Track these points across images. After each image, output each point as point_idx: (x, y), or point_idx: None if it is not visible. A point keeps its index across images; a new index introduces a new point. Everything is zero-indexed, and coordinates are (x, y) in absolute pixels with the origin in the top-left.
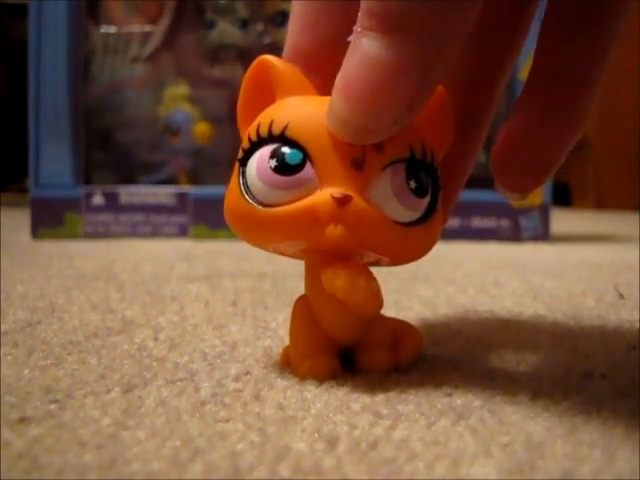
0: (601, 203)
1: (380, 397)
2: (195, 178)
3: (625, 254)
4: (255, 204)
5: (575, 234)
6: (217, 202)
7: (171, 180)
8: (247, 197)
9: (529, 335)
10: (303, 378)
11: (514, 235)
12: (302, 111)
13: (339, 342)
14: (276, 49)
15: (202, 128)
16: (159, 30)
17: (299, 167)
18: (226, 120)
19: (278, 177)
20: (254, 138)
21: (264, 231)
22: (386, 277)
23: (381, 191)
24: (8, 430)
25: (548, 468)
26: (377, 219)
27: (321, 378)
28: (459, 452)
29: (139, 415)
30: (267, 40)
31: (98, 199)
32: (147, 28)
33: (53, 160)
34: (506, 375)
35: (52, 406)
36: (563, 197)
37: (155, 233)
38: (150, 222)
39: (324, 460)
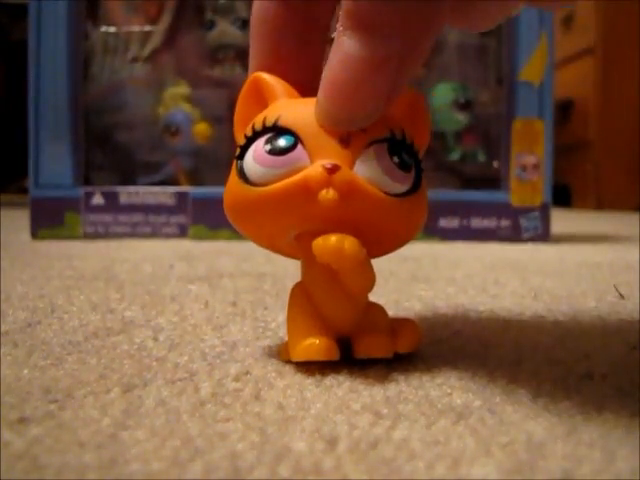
0: (601, 203)
1: (380, 397)
2: (195, 178)
3: (625, 254)
4: (252, 187)
5: (575, 234)
6: (217, 202)
7: (171, 180)
8: (244, 180)
9: (529, 335)
10: (300, 359)
11: (514, 235)
12: (292, 105)
13: (336, 329)
14: None
15: (202, 128)
16: (159, 30)
17: (291, 148)
18: (226, 120)
19: (272, 157)
20: (249, 133)
21: (260, 210)
22: (386, 277)
23: (367, 165)
24: (8, 430)
25: (548, 468)
26: (366, 187)
27: (318, 358)
28: (459, 452)
29: (139, 415)
30: None
31: (98, 199)
32: (147, 28)
33: (53, 160)
34: (506, 375)
35: (52, 406)
36: (563, 197)
37: (155, 233)
38: (150, 222)
39: (324, 460)
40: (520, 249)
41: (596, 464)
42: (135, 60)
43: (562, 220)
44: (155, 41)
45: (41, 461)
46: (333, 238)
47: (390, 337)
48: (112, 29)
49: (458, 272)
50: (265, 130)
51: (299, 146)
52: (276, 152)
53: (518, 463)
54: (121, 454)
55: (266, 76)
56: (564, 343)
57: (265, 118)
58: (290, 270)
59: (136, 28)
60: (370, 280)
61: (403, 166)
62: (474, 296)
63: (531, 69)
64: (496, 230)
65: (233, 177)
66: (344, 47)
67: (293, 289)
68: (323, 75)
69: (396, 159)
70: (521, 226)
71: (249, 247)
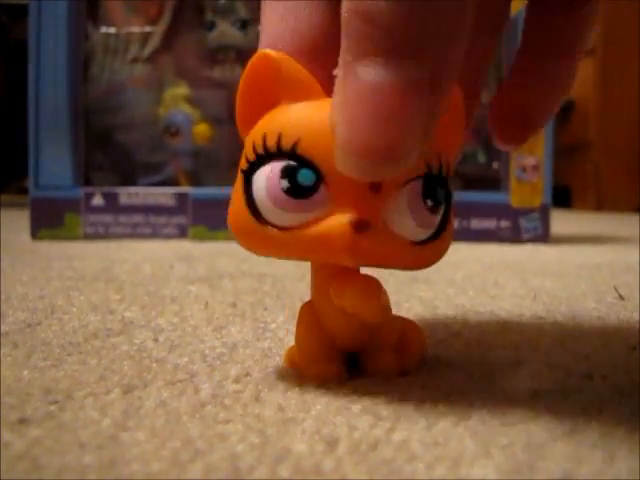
0: (601, 204)
1: (380, 398)
2: (195, 179)
3: (625, 255)
4: (265, 225)
5: (575, 235)
6: (217, 203)
7: (171, 181)
8: (256, 216)
9: (529, 336)
10: (309, 382)
11: (514, 236)
12: (313, 124)
13: (345, 348)
14: None
15: (202, 129)
16: (159, 31)
17: (313, 189)
18: (226, 121)
19: (291, 200)
20: (261, 151)
21: (275, 249)
22: (386, 278)
23: (397, 211)
24: (8, 431)
25: (548, 469)
26: (392, 243)
27: (327, 384)
28: (459, 453)
29: (139, 416)
30: None
31: (98, 200)
32: (147, 29)
33: (53, 161)
34: (506, 376)
35: (52, 407)
36: (563, 198)
37: (155, 234)
38: (150, 223)
39: (324, 461)
40: (520, 250)
41: (596, 465)
42: (135, 61)
43: (562, 221)
44: (155, 42)
45: (41, 462)
46: (353, 292)
47: (397, 353)
48: (112, 30)
49: (458, 273)
50: (280, 153)
51: (322, 187)
52: (295, 193)
53: (518, 464)
54: (121, 455)
55: (276, 55)
56: (564, 344)
57: (280, 136)
58: (290, 271)
59: (136, 29)
60: (386, 318)
61: (434, 209)
62: (474, 297)
63: None
64: (496, 231)
65: (240, 198)
66: (362, 78)
67: (302, 309)
68: (337, 122)
69: (430, 202)
70: (521, 227)
71: None
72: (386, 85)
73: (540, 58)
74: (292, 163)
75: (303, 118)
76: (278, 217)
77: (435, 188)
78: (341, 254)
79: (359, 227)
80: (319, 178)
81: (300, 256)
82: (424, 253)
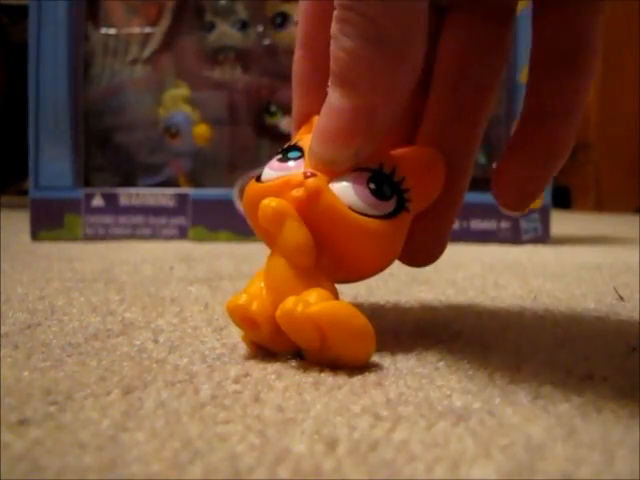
0: (601, 205)
1: (380, 399)
2: (194, 180)
3: (625, 256)
4: (257, 183)
5: (575, 236)
6: (216, 204)
7: (171, 182)
8: (257, 180)
9: (529, 337)
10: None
11: (514, 237)
12: (309, 133)
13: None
14: (275, 51)
15: (201, 130)
16: (159, 32)
17: (295, 159)
18: (226, 122)
19: (278, 163)
20: (279, 151)
21: (255, 201)
22: (386, 279)
23: (341, 183)
24: (8, 432)
25: (548, 470)
26: (332, 196)
27: (235, 305)
28: (459, 454)
29: (139, 417)
30: (266, 42)
31: (98, 201)
32: (147, 30)
33: (53, 162)
34: (506, 377)
35: (52, 408)
36: (563, 199)
37: (155, 235)
38: (150, 224)
39: (324, 462)
40: (520, 251)
41: (596, 466)
42: (135, 62)
43: (562, 222)
44: (155, 43)
45: (41, 463)
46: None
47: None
48: (112, 30)
49: (458, 274)
50: (287, 148)
51: (301, 160)
52: (283, 160)
53: (517, 465)
54: (121, 456)
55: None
56: (564, 345)
57: (291, 141)
58: None
59: (136, 30)
60: (297, 237)
61: (378, 194)
62: (474, 298)
63: None
64: (496, 232)
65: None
66: (330, 100)
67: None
68: (315, 124)
69: (372, 185)
70: (521, 228)
71: (249, 249)
72: (339, 108)
73: (540, 124)
74: (287, 146)
75: (306, 135)
76: (268, 175)
77: (380, 182)
78: (295, 188)
79: (308, 174)
80: (302, 155)
81: (268, 195)
82: (363, 224)
